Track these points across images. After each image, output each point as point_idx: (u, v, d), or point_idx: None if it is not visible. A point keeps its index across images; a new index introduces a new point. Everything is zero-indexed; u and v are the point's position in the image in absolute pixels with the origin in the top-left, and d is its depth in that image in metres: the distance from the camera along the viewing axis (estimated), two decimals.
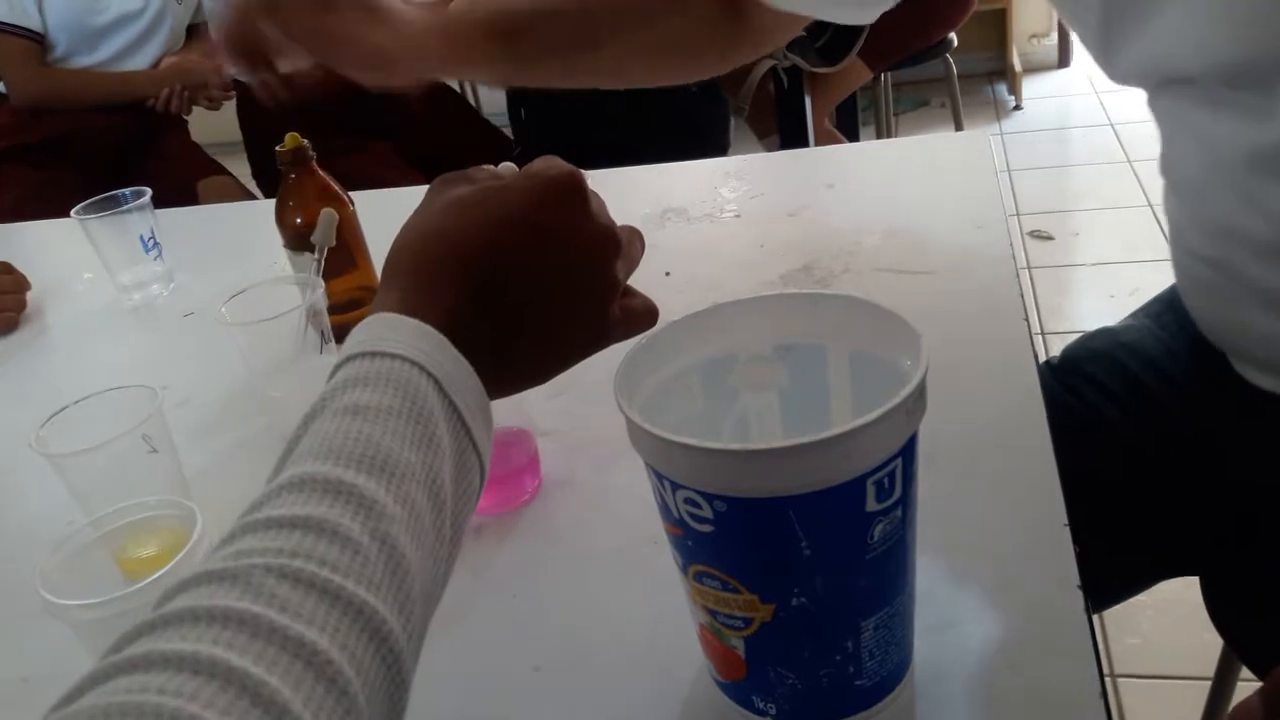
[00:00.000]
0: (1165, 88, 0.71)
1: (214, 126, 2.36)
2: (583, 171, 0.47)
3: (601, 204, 0.48)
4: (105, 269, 1.10)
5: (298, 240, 0.87)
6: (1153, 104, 0.74)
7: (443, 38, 0.78)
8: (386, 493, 0.36)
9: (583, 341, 0.48)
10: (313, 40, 0.74)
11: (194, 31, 2.27)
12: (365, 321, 0.42)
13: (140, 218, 1.08)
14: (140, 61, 2.16)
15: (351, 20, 0.74)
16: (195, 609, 0.31)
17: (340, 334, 0.82)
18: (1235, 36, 0.61)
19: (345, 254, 0.89)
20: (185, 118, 2.20)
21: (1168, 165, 0.76)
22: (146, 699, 0.28)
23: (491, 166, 0.51)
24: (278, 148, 0.86)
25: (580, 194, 0.46)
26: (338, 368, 0.41)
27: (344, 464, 0.36)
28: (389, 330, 0.41)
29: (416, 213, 0.47)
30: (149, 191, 1.09)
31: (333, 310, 0.82)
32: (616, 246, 0.48)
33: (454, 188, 0.47)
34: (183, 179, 2.12)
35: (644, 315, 0.51)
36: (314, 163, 0.88)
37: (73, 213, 1.06)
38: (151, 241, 1.09)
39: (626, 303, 0.50)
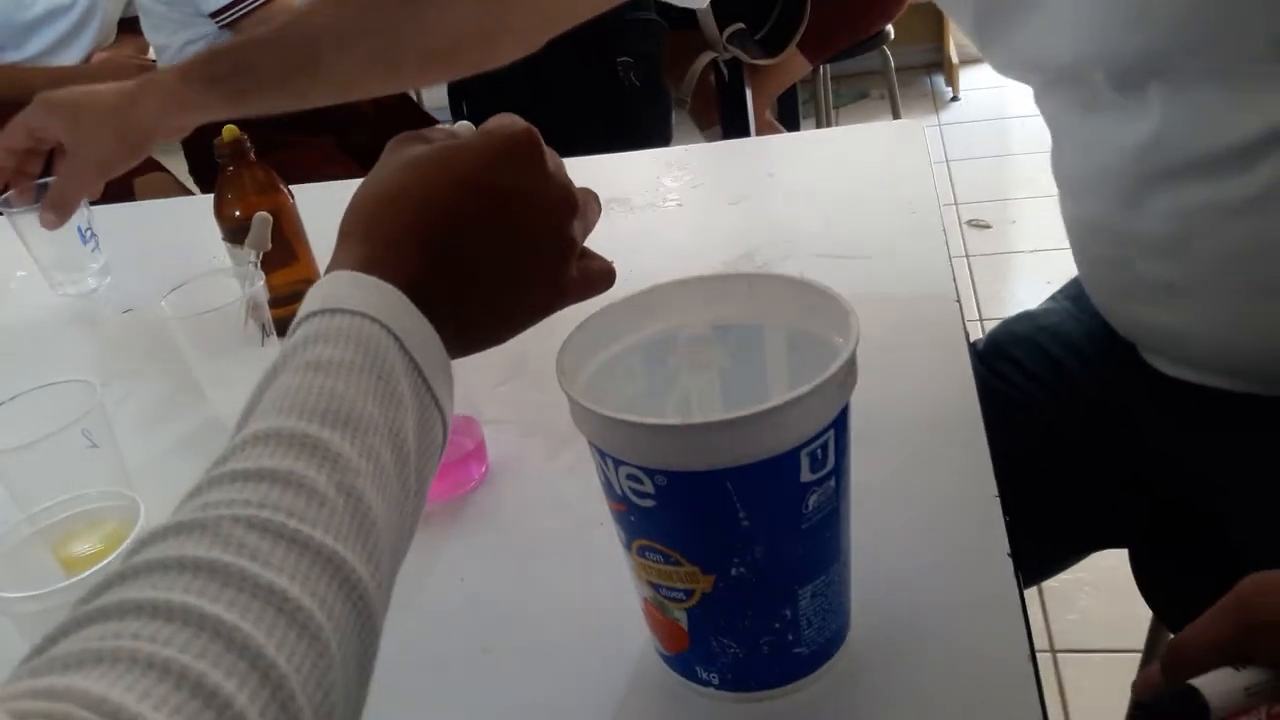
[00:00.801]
0: (1050, 88, 0.74)
1: None
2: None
3: (559, 163, 0.48)
4: (36, 263, 1.07)
5: (236, 234, 0.86)
6: (1039, 103, 0.77)
7: (140, 88, 0.88)
8: (351, 446, 0.36)
9: (541, 301, 0.48)
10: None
11: (125, 26, 2.22)
12: (324, 279, 0.42)
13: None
14: (70, 57, 2.11)
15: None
16: (165, 559, 0.31)
17: (281, 327, 0.83)
18: (1105, 33, 0.62)
19: (285, 247, 0.88)
20: None
21: (1057, 165, 0.79)
22: (121, 644, 0.28)
23: (449, 125, 0.51)
24: (216, 140, 0.86)
25: (537, 152, 0.46)
26: (297, 325, 0.40)
27: (307, 418, 0.36)
28: (348, 288, 0.41)
29: (373, 173, 0.47)
30: None
31: (273, 304, 0.82)
32: (574, 206, 0.48)
33: (410, 147, 0.47)
34: (118, 176, 2.08)
35: (601, 276, 0.51)
36: (252, 155, 0.87)
37: None
38: (89, 232, 1.06)
39: (585, 264, 0.50)
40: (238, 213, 0.87)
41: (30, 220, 1.03)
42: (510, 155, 0.46)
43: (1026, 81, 0.76)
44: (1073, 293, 0.93)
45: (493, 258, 0.45)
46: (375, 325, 0.40)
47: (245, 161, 0.87)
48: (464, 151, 0.46)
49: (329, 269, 0.43)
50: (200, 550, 0.31)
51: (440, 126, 0.50)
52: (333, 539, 0.33)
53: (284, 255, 0.88)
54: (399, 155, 0.47)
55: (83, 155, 0.90)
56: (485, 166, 0.45)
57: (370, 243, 0.44)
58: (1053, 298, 0.96)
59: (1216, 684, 0.43)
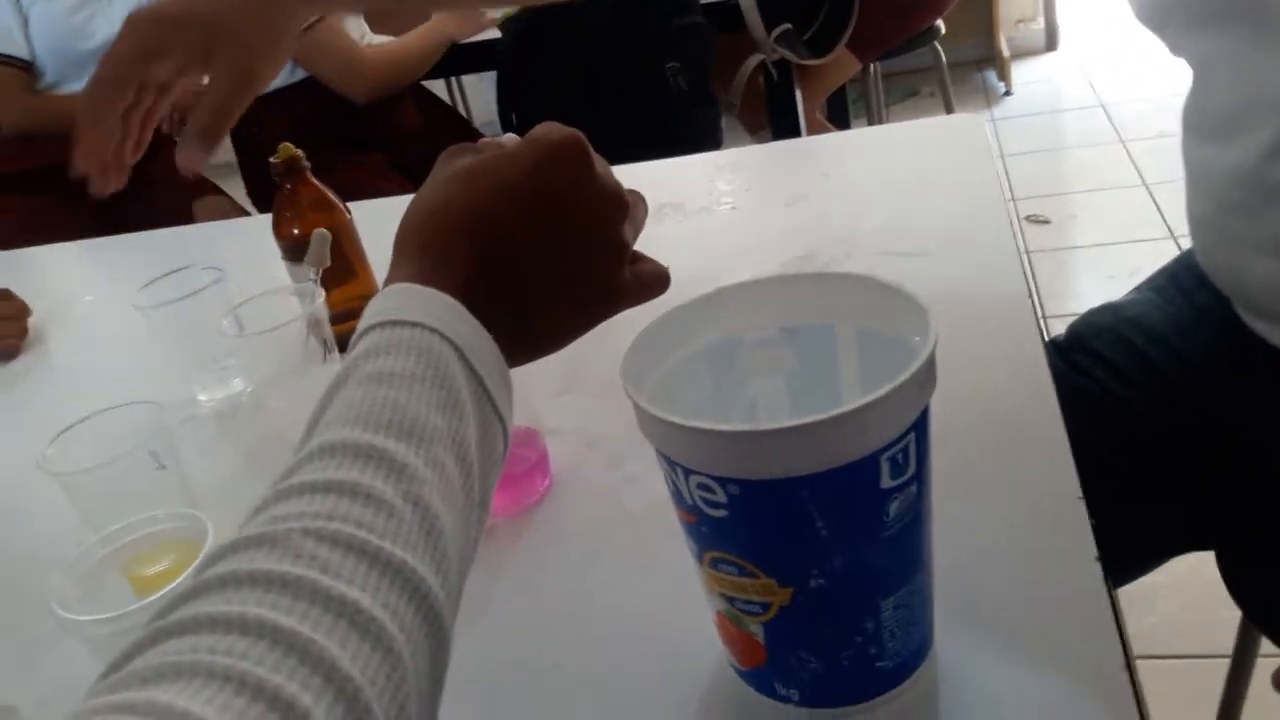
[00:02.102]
0: (1206, 24, 0.70)
1: None
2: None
3: (606, 166, 0.48)
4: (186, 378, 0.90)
5: (295, 251, 0.87)
6: (1181, 46, 0.74)
7: None
8: (416, 456, 0.36)
9: (595, 305, 0.48)
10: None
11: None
12: (382, 293, 0.42)
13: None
14: None
15: None
16: (237, 573, 0.31)
17: (342, 343, 0.82)
18: None
19: (344, 264, 0.88)
20: (176, 139, 2.20)
21: (1197, 109, 0.76)
22: (198, 658, 0.28)
23: (496, 137, 0.51)
24: (271, 159, 0.86)
25: (584, 156, 0.46)
26: (357, 339, 0.40)
27: (373, 429, 0.36)
28: (407, 300, 0.41)
29: (424, 186, 0.47)
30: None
31: (333, 320, 0.81)
32: (623, 208, 0.48)
33: (460, 159, 0.47)
34: (177, 200, 2.12)
35: (655, 280, 0.50)
36: (308, 173, 0.87)
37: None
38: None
39: (638, 268, 0.49)
40: (296, 230, 0.87)
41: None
42: (557, 160, 0.46)
43: (1174, 20, 0.73)
44: (1157, 284, 0.90)
45: (545, 263, 0.45)
46: (434, 336, 0.40)
47: (302, 179, 0.87)
48: (512, 159, 0.46)
49: (386, 283, 0.43)
50: (271, 564, 0.31)
51: (487, 139, 0.50)
52: (402, 549, 0.33)
53: (343, 272, 0.88)
54: (449, 167, 0.47)
55: (235, 67, 0.71)
56: (533, 172, 0.45)
57: (425, 255, 0.44)
58: (1136, 289, 0.93)
59: None
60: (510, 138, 0.50)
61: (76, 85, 2.11)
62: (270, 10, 0.73)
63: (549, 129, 0.47)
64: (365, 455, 0.35)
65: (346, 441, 0.36)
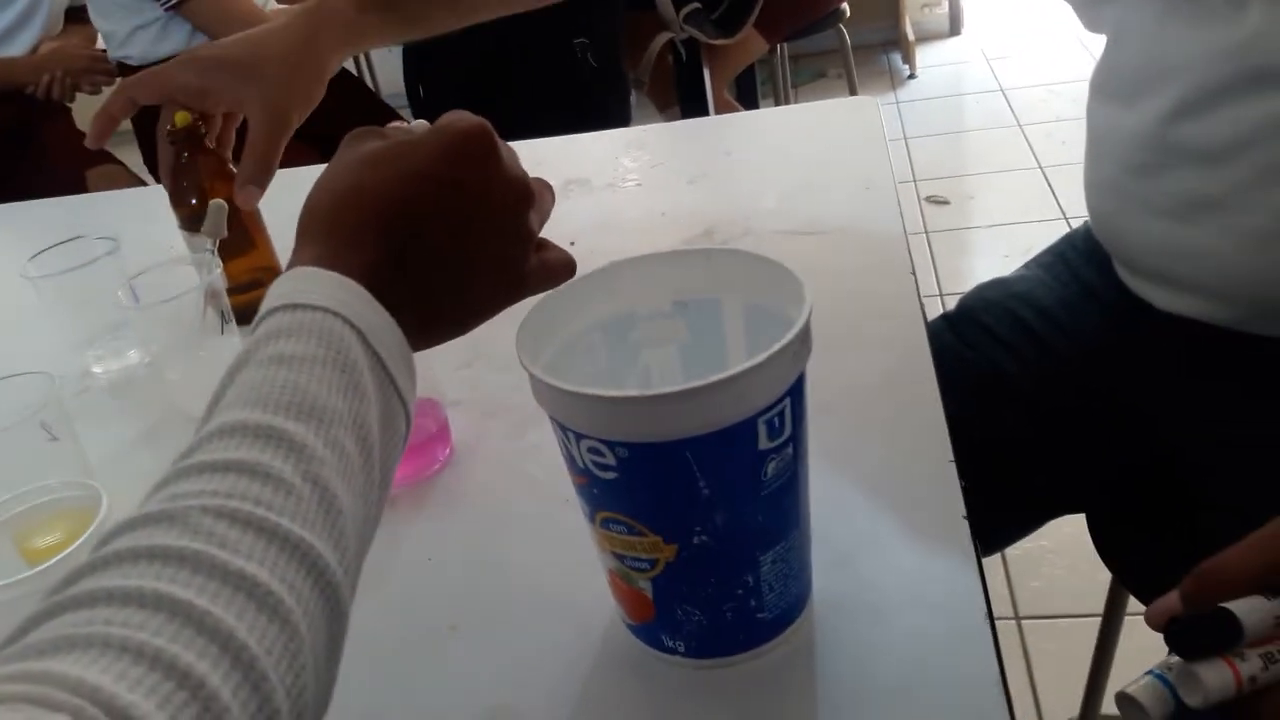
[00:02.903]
0: None
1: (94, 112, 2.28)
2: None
3: (513, 155, 0.49)
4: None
5: (193, 221, 0.85)
6: (1092, 9, 0.78)
7: (314, 25, 0.79)
8: (315, 437, 0.37)
9: (501, 292, 0.49)
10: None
11: (72, 15, 2.18)
12: (285, 275, 0.42)
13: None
14: (18, 47, 2.08)
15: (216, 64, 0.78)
16: (135, 548, 0.32)
17: (240, 315, 0.83)
18: None
19: (243, 235, 0.88)
20: (69, 105, 2.13)
21: (1108, 71, 0.80)
22: (94, 630, 0.29)
23: (403, 122, 0.51)
24: (168, 127, 0.85)
25: (491, 145, 0.47)
26: (259, 320, 0.41)
27: (273, 411, 0.37)
28: (310, 283, 0.41)
29: (329, 169, 0.47)
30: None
31: (232, 291, 0.81)
32: (529, 197, 0.49)
33: (366, 143, 0.47)
34: (70, 169, 2.05)
35: (561, 267, 0.51)
36: (207, 141, 0.86)
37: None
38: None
39: (543, 255, 0.50)
40: (194, 200, 0.86)
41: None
42: (465, 149, 0.46)
43: None
44: (1044, 261, 0.95)
45: (451, 250, 0.46)
46: (337, 320, 0.40)
47: (200, 149, 0.86)
48: (419, 146, 0.46)
49: (290, 265, 0.43)
50: (170, 539, 0.32)
51: (395, 124, 0.51)
52: (300, 527, 0.34)
53: (242, 242, 0.88)
54: (355, 151, 0.47)
55: (270, 111, 0.77)
56: (440, 160, 0.46)
57: (330, 239, 0.44)
58: (1026, 266, 0.97)
59: (1248, 610, 0.44)
60: (420, 124, 0.51)
61: None
62: (306, 56, 0.77)
63: (457, 117, 0.48)
64: (265, 436, 0.36)
65: (246, 422, 0.36)
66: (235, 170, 0.88)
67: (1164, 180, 0.74)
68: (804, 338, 0.44)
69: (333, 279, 0.41)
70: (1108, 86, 0.80)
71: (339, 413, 0.38)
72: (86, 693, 0.27)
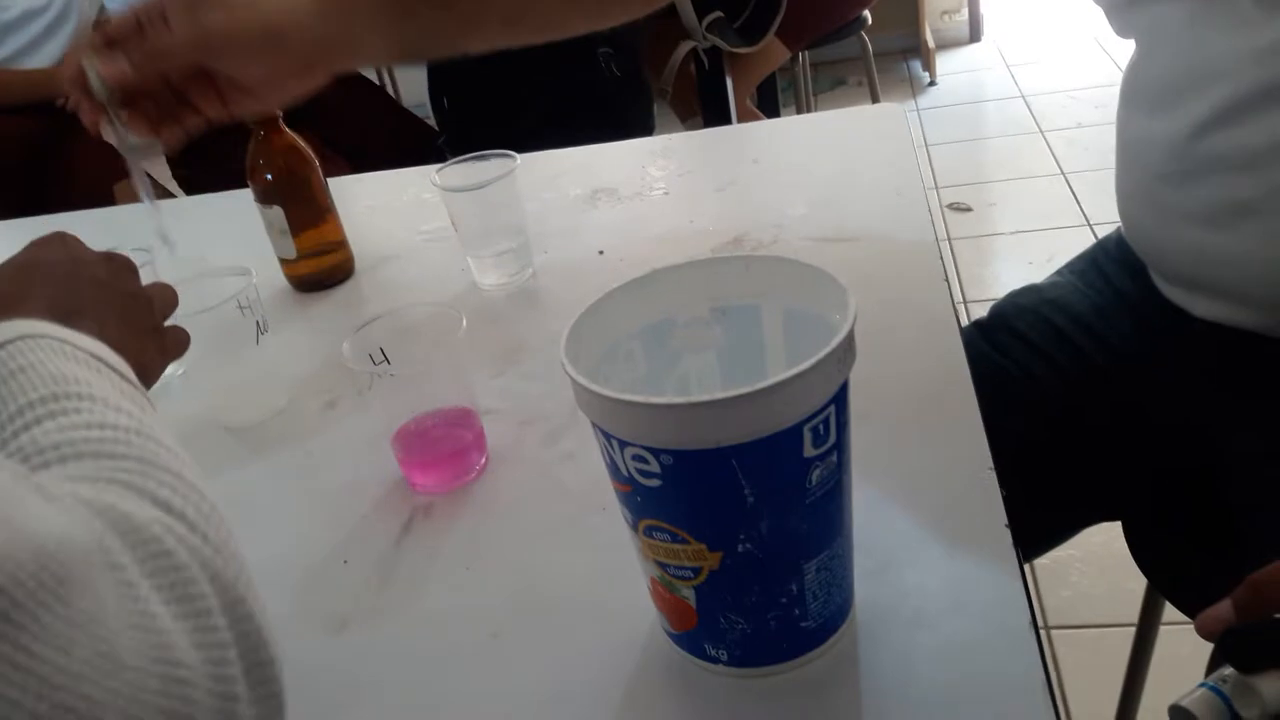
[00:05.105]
0: (1150, 2, 0.74)
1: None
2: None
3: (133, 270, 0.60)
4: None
5: (267, 195, 0.94)
6: (1125, 17, 0.77)
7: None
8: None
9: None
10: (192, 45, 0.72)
11: (101, 27, 2.20)
12: None
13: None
14: (44, 59, 2.10)
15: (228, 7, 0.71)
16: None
17: (310, 282, 0.99)
18: None
19: (315, 208, 0.98)
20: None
21: (1138, 79, 0.79)
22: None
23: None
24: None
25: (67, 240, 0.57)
26: None
27: (39, 393, 0.38)
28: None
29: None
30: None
31: (303, 258, 0.97)
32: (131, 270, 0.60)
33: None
34: (97, 181, 2.07)
35: (175, 343, 0.61)
36: (281, 120, 0.93)
37: None
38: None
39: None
40: (269, 176, 0.94)
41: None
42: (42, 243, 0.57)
43: None
44: (1077, 268, 0.95)
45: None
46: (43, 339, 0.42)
47: (275, 127, 0.93)
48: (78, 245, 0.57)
49: None
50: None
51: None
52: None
53: (314, 215, 0.97)
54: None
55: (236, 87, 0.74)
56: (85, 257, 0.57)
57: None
58: (1058, 272, 0.97)
59: None
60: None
61: None
62: (306, 72, 0.75)
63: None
64: (53, 399, 0.37)
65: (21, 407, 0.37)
66: (307, 150, 0.95)
67: (1197, 188, 0.73)
68: (849, 343, 0.44)
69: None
70: (1139, 94, 0.80)
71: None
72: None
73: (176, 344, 0.62)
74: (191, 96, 0.75)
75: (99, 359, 0.43)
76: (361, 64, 0.81)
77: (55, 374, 0.40)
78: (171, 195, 2.03)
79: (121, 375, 0.43)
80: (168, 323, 0.62)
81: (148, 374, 0.56)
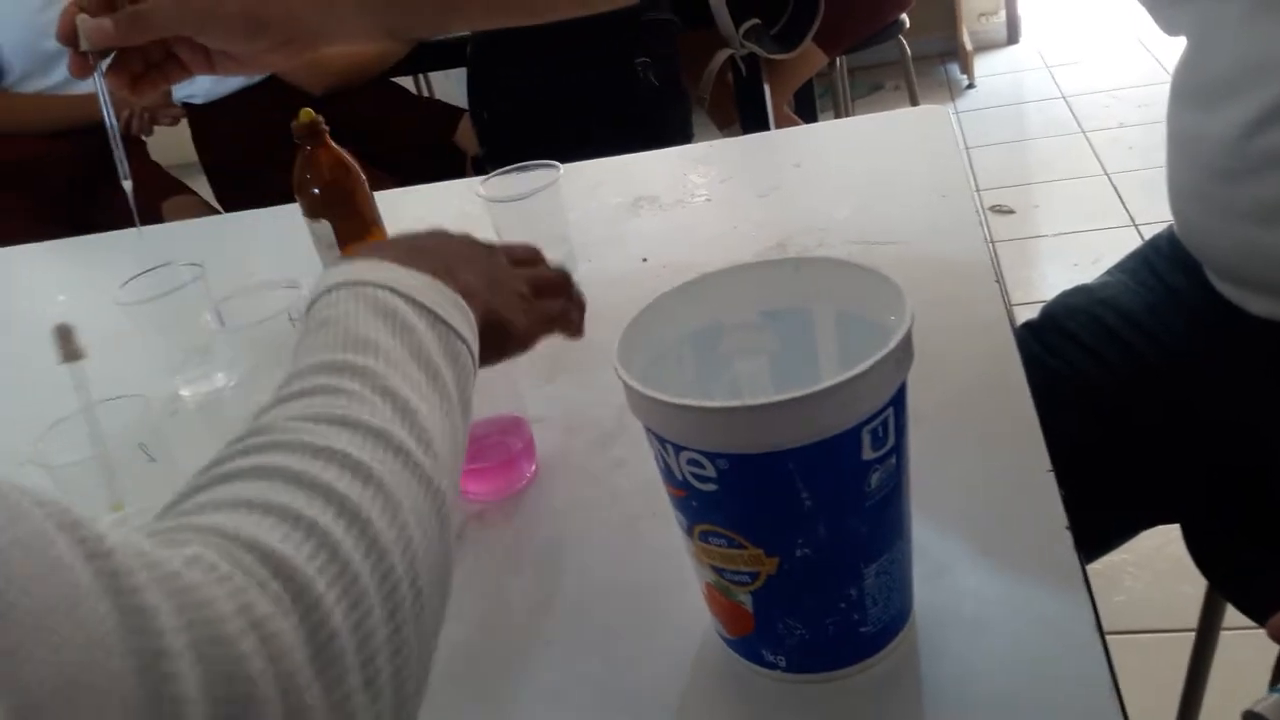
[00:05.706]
0: None
1: (167, 147, 2.34)
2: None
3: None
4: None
5: (315, 208, 0.95)
6: (1175, 17, 0.76)
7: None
8: (375, 361, 0.42)
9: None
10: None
11: None
12: (315, 283, 0.48)
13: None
14: (89, 85, 2.14)
15: None
16: (230, 457, 0.38)
17: None
18: None
19: (360, 221, 0.98)
20: (145, 139, 2.19)
21: (1189, 76, 0.78)
22: (221, 495, 0.35)
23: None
24: (293, 123, 0.92)
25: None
26: (304, 313, 0.47)
27: (331, 351, 0.42)
28: (330, 275, 0.47)
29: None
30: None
31: None
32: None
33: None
34: (146, 200, 2.11)
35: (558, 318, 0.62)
36: (327, 135, 0.93)
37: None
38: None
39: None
40: (315, 190, 0.94)
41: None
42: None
43: None
44: (1128, 266, 0.93)
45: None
46: (366, 286, 0.45)
47: (321, 142, 0.94)
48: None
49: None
50: (264, 440, 0.37)
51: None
52: (377, 420, 0.39)
53: (359, 227, 0.97)
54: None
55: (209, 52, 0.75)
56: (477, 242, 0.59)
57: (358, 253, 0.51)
58: (1108, 272, 0.95)
59: None
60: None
61: (42, 83, 2.09)
62: (288, 48, 0.75)
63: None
64: (329, 368, 0.41)
65: (309, 365, 0.41)
66: (352, 163, 0.96)
67: (1250, 185, 0.72)
68: (906, 344, 0.44)
69: (359, 263, 0.47)
70: (1190, 90, 0.78)
71: (390, 346, 0.43)
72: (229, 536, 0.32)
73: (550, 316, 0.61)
74: (180, 55, 0.76)
75: (423, 307, 0.45)
76: (342, 42, 0.81)
77: (351, 336, 0.42)
78: (217, 212, 2.06)
79: (448, 326, 0.46)
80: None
81: (512, 334, 0.56)
